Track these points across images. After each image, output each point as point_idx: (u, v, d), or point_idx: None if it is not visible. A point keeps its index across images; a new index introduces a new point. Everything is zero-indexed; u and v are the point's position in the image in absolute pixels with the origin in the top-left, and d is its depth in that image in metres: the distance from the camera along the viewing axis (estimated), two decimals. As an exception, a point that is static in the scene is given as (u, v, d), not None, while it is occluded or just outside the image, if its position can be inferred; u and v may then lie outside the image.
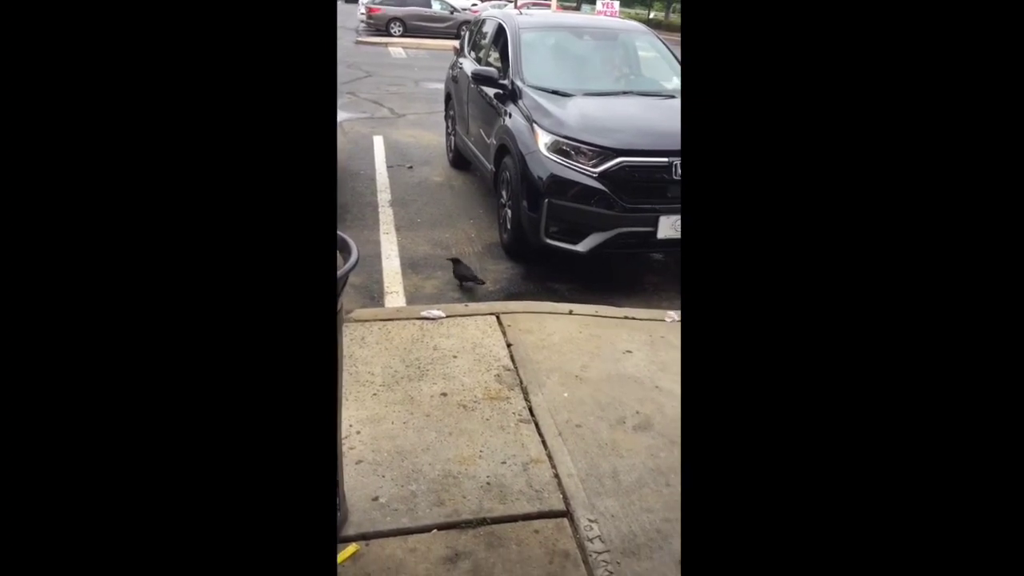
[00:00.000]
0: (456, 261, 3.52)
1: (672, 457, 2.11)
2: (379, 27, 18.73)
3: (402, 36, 18.22)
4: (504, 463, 2.04)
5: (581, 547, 1.75)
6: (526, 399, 2.38)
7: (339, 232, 1.55)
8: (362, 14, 20.00)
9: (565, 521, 1.84)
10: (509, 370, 2.56)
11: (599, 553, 1.73)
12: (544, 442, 2.15)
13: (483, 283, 3.51)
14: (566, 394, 2.43)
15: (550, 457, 2.08)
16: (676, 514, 1.87)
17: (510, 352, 2.69)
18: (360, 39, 17.23)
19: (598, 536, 1.79)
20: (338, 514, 1.72)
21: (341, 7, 32.75)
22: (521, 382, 2.48)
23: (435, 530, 1.76)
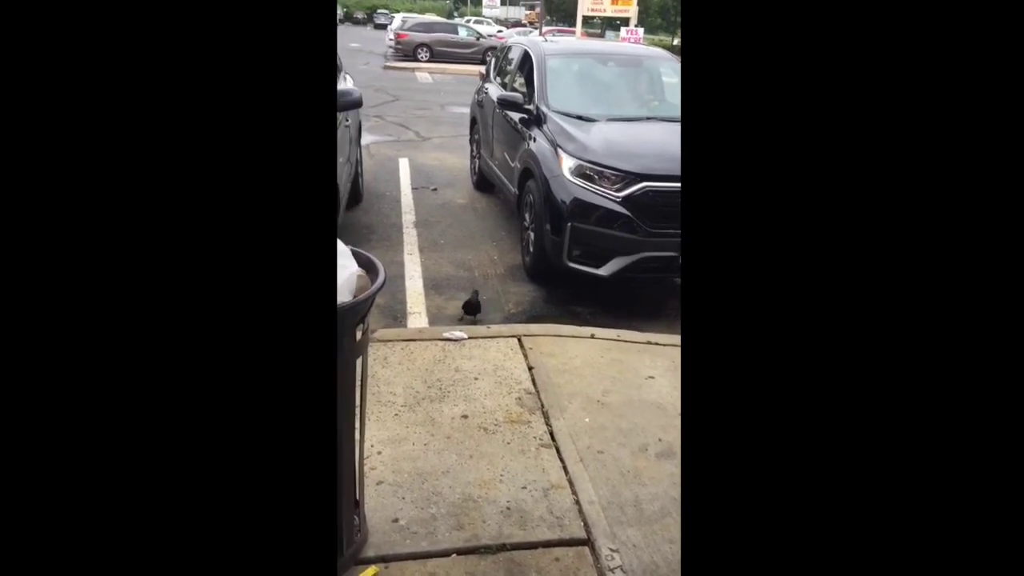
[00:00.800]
0: (470, 301, 3.36)
1: (696, 487, 2.07)
2: (407, 52, 19.18)
3: (429, 61, 18.62)
4: (524, 488, 2.02)
5: (602, 577, 1.72)
6: (547, 423, 2.36)
7: (366, 252, 1.58)
8: (391, 40, 20.52)
9: (586, 549, 1.81)
10: (530, 393, 2.55)
11: (620, 584, 1.70)
12: (565, 468, 2.13)
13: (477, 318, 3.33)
14: (587, 419, 2.40)
15: (571, 483, 2.06)
16: (700, 546, 1.83)
17: (531, 375, 2.68)
18: (388, 64, 17.63)
19: (619, 566, 1.75)
20: (358, 535, 1.72)
21: (371, 33, 33.67)
22: (542, 406, 2.47)
23: (454, 555, 1.75)
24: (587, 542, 1.83)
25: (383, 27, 33.89)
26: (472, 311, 3.32)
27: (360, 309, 1.46)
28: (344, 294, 1.38)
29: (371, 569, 1.66)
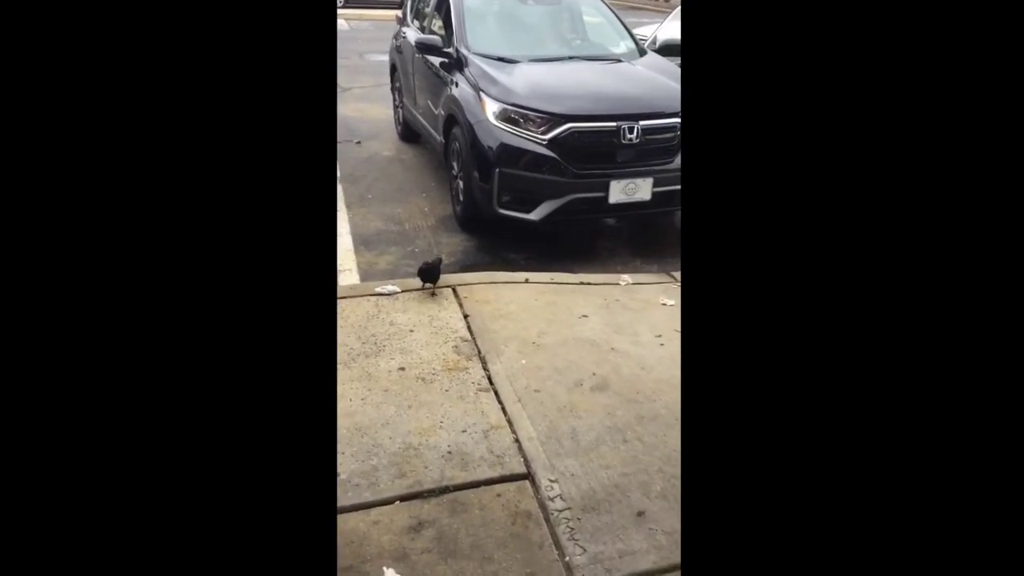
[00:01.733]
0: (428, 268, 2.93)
1: (628, 415, 2.17)
2: (319, -2, 17.99)
3: (344, 7, 17.58)
4: (465, 432, 2.06)
5: (543, 506, 1.79)
6: (484, 368, 2.39)
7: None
8: (301, -16, 19.15)
9: (526, 483, 1.87)
10: (467, 341, 2.57)
11: (560, 511, 1.78)
12: (504, 409, 2.17)
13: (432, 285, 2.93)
14: (524, 361, 2.45)
15: (510, 423, 2.11)
16: (633, 469, 1.93)
17: (467, 323, 2.69)
18: (300, 11, 16.52)
19: (559, 495, 1.83)
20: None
21: (278, -22, 31.30)
22: (479, 352, 2.49)
23: (397, 501, 1.77)
24: (527, 476, 1.90)
25: (292, -29, 31.59)
26: (429, 278, 2.88)
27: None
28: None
29: (314, 524, 1.67)
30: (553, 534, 1.71)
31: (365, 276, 3.33)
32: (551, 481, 1.88)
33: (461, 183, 3.79)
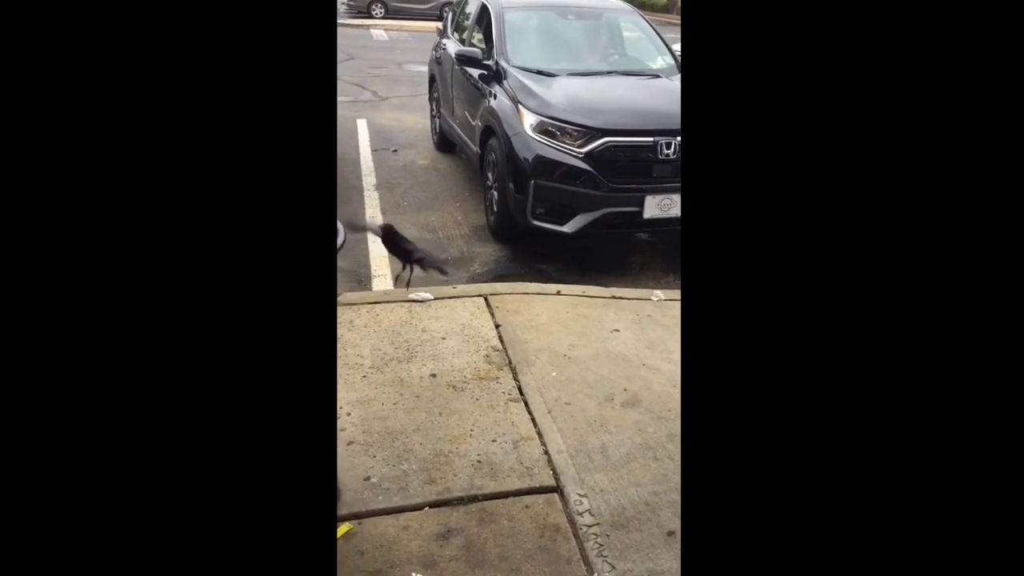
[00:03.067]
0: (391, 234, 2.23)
1: (659, 432, 2.14)
2: (360, 9, 18.40)
3: (384, 18, 17.94)
4: (494, 441, 2.06)
5: (571, 521, 1.78)
6: (515, 379, 2.40)
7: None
8: (343, -4, 19.63)
9: (555, 496, 1.87)
10: (498, 350, 2.58)
11: (589, 527, 1.76)
12: (534, 420, 2.17)
13: (446, 274, 2.61)
14: (555, 373, 2.45)
15: (540, 434, 2.10)
16: (664, 487, 1.91)
17: (498, 333, 2.70)
18: (341, 22, 16.92)
19: (588, 510, 1.82)
20: (330, 494, 1.73)
21: (321, -11, 32.11)
22: (510, 362, 2.50)
23: (427, 508, 1.78)
24: (556, 489, 1.89)
25: (335, -18, 32.36)
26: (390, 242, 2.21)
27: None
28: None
29: (345, 527, 1.69)
30: (582, 549, 1.70)
31: (399, 282, 3.37)
32: (580, 495, 1.86)
33: (495, 193, 3.82)
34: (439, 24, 6.57)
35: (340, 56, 10.59)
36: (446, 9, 7.56)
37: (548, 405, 2.25)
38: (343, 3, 19.36)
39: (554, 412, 2.22)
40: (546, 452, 2.03)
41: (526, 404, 2.25)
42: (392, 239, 2.19)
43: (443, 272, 2.37)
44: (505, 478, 1.91)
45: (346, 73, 9.23)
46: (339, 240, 1.49)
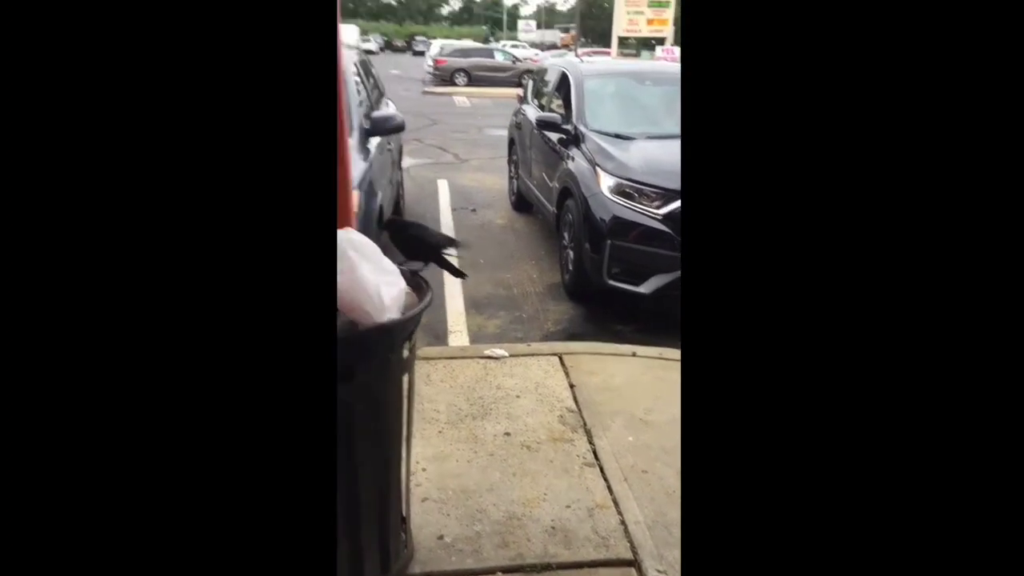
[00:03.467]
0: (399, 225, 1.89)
1: (745, 508, 2.02)
2: (444, 78, 19.62)
3: (466, 86, 19.01)
4: (569, 507, 2.01)
5: (649, 599, 1.69)
6: (590, 442, 2.35)
7: (418, 273, 1.62)
8: (429, 66, 21.04)
9: (632, 571, 1.78)
10: (572, 411, 2.54)
11: (669, 607, 1.66)
12: (609, 487, 2.10)
13: (465, 276, 2.19)
14: (631, 438, 2.38)
15: (616, 503, 2.03)
16: (751, 569, 1.78)
17: (573, 393, 2.67)
18: (427, 89, 18.06)
19: (667, 588, 1.72)
20: (404, 551, 1.73)
21: (410, 60, 34.60)
22: (585, 424, 2.46)
23: (499, 573, 1.74)
24: (633, 563, 1.80)
25: (421, 54, 34.84)
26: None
27: (408, 326, 1.49)
28: (393, 311, 1.42)
29: (417, 585, 1.68)
30: (661, 631, 1.60)
31: (474, 338, 3.43)
32: (659, 572, 1.77)
33: (571, 253, 3.86)
34: (519, 91, 6.88)
35: (424, 121, 11.26)
36: (525, 77, 7.94)
37: (624, 472, 2.18)
38: (429, 73, 20.70)
39: (631, 480, 2.14)
40: (623, 522, 1.95)
41: (601, 470, 2.19)
42: (401, 233, 1.74)
43: (461, 276, 1.98)
44: (580, 547, 1.85)
45: (429, 137, 9.78)
46: (428, 297, 1.55)
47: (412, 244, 1.72)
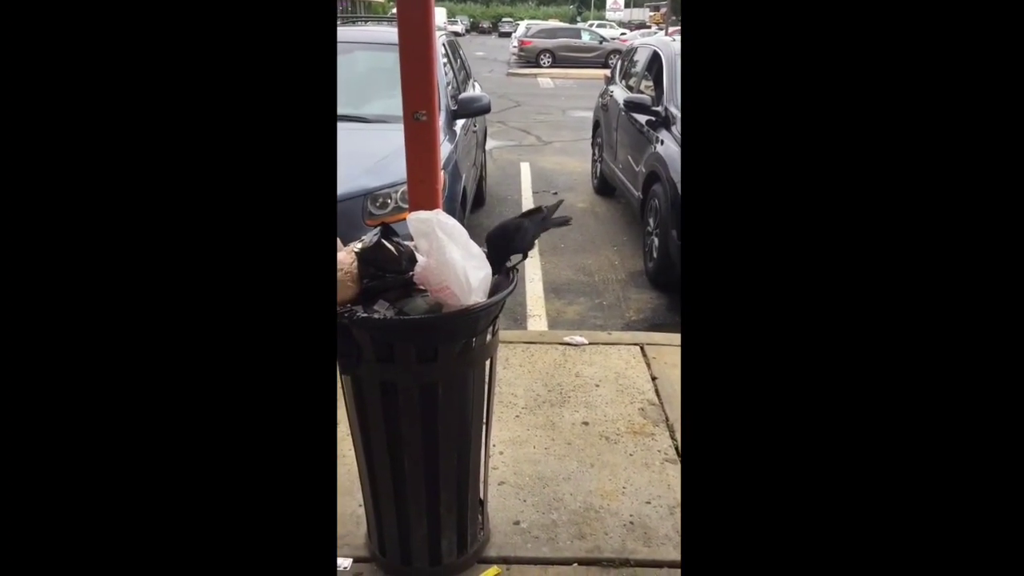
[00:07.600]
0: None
1: (841, 521, 1.88)
2: (529, 59, 19.49)
3: (551, 67, 18.77)
4: (649, 503, 1.94)
5: (733, 608, 1.60)
6: (672, 437, 2.26)
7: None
8: (514, 47, 20.96)
9: (715, 576, 1.70)
10: (654, 404, 2.46)
11: (754, 618, 1.57)
12: (692, 486, 2.02)
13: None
14: (716, 436, 2.27)
15: (698, 503, 1.94)
16: None
17: (655, 386, 2.58)
18: (511, 71, 18.01)
19: (753, 598, 1.62)
20: (481, 533, 1.74)
21: (496, 41, 34.59)
22: (667, 419, 2.37)
23: (576, 564, 1.71)
24: (716, 568, 1.72)
25: (507, 35, 34.75)
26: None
27: (492, 311, 1.48)
28: (479, 294, 1.40)
29: (493, 569, 1.68)
30: (744, 643, 1.51)
31: (553, 324, 3.39)
32: (744, 580, 1.68)
33: (656, 239, 3.73)
34: (606, 72, 6.70)
35: (508, 103, 11.24)
36: (612, 57, 7.70)
37: (708, 471, 2.08)
38: (514, 54, 20.62)
39: (715, 480, 2.04)
40: (705, 524, 1.86)
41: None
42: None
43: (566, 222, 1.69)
44: (660, 545, 1.78)
45: (512, 118, 9.75)
46: (513, 282, 1.52)
47: (512, 250, 1.60)
